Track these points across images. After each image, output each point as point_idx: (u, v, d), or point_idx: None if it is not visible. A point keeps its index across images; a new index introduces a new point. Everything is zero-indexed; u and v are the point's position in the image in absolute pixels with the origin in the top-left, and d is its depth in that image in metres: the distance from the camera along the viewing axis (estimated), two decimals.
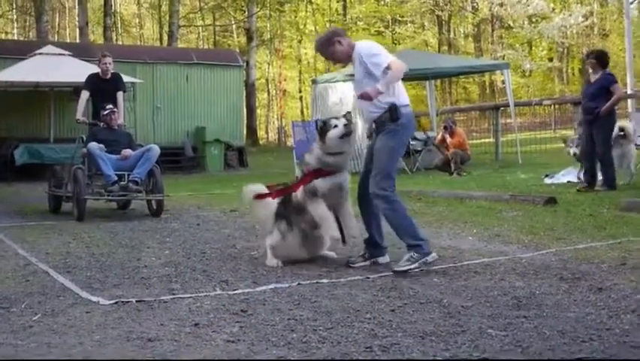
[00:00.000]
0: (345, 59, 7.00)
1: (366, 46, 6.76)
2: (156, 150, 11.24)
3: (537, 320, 4.89)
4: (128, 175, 10.87)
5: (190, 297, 5.74)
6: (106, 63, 12.14)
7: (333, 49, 6.83)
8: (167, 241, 8.78)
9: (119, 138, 11.52)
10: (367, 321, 4.95)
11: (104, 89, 12.01)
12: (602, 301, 5.29)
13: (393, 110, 6.47)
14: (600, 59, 11.89)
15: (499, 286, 5.90)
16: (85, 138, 11.56)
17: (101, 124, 11.58)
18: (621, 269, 6.32)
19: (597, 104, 11.56)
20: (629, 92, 21.32)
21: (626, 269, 6.26)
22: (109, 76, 12.17)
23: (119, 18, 43.31)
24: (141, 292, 5.98)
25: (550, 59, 45.29)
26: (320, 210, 6.88)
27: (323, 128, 6.80)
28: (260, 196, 7.62)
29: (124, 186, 10.80)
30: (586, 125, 11.85)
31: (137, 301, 5.60)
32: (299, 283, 6.16)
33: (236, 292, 5.92)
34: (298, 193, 7.10)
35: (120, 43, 41.05)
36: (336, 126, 6.71)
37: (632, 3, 39.11)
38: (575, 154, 12.47)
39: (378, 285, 6.04)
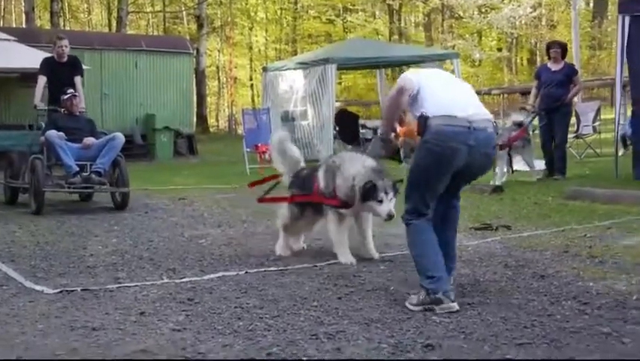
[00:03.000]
0: None
1: None
2: (121, 138, 10.53)
3: (481, 306, 4.96)
4: (91, 165, 10.11)
5: (136, 286, 5.71)
6: (62, 46, 11.29)
7: None
8: (114, 229, 8.70)
9: (81, 125, 10.74)
10: (314, 309, 4.97)
11: (60, 73, 11.14)
12: (545, 288, 5.38)
13: (420, 121, 5.10)
14: (564, 49, 12.52)
15: None
16: (43, 125, 10.77)
17: (62, 110, 10.76)
18: (564, 257, 6.44)
19: (563, 92, 12.03)
20: None
21: (568, 257, 6.38)
22: (65, 59, 11.31)
23: (66, 3, 42.67)
24: (87, 280, 5.93)
25: (500, 49, 45.72)
26: (334, 227, 6.55)
27: (369, 191, 6.10)
28: (273, 199, 7.36)
29: (86, 178, 9.99)
30: (546, 114, 12.04)
31: (82, 290, 5.56)
32: (246, 272, 6.16)
33: (183, 280, 5.91)
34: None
35: (68, 28, 40.43)
36: (381, 201, 6.07)
37: None
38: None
39: (326, 273, 6.07)
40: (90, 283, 5.83)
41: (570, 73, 12.25)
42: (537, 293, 5.25)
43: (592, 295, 5.14)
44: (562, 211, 8.96)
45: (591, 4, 48.98)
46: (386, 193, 6.07)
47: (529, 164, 12.20)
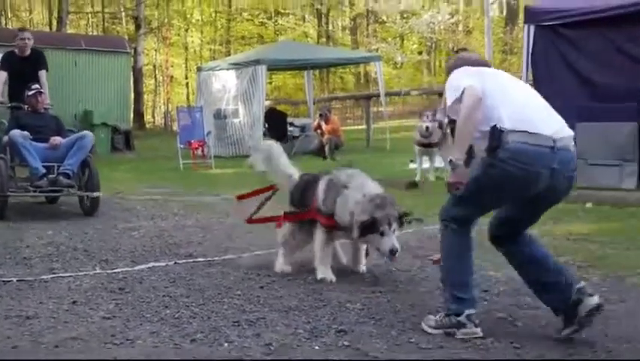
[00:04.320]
0: None
1: (448, 79, 4.40)
2: (90, 137, 9.24)
3: (391, 294, 5.09)
4: (58, 167, 8.84)
5: (70, 276, 5.69)
6: (24, 39, 10.11)
7: None
8: (51, 221, 8.60)
9: (47, 123, 9.45)
10: (237, 297, 5.03)
11: (22, 68, 9.93)
12: None
13: (493, 135, 3.99)
14: None
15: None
16: (5, 124, 9.52)
17: (26, 107, 9.56)
18: None
19: None
20: None
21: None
22: (28, 53, 10.11)
23: (8, 2, 41.73)
24: (22, 271, 5.89)
25: (420, 53, 46.19)
26: (320, 241, 5.60)
27: (370, 225, 5.16)
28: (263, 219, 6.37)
29: (53, 180, 8.72)
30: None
31: (17, 280, 5.52)
32: (175, 262, 6.19)
33: (115, 270, 5.91)
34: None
35: (9, 27, 39.54)
36: (383, 234, 5.14)
37: (492, 3, 40.30)
38: (427, 128, 12.03)
39: (250, 263, 6.12)
40: (26, 273, 5.79)
41: None
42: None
43: (491, 283, 5.32)
44: None
45: (504, 12, 49.88)
46: (389, 225, 5.10)
47: (445, 161, 12.43)
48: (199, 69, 21.91)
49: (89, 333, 4.23)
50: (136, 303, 4.90)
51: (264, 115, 18.53)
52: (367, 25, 46.05)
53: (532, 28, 11.43)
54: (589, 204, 8.72)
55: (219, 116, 19.44)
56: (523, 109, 4.14)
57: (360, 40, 45.00)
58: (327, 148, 17.54)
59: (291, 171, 6.23)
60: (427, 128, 11.91)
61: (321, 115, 18.66)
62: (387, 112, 21.62)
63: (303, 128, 19.62)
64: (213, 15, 43.56)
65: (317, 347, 3.99)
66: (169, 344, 4.05)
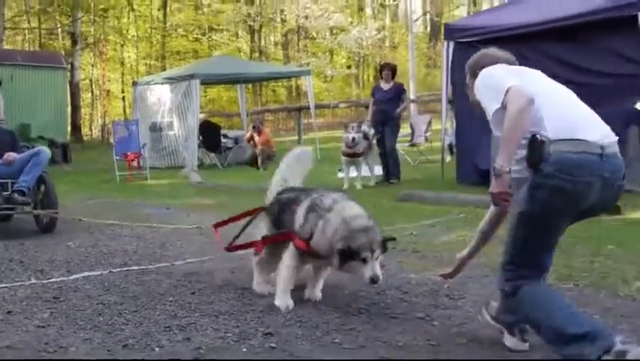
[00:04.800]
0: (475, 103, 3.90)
1: (478, 78, 3.84)
2: (46, 153, 8.55)
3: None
4: (13, 184, 8.16)
5: (5, 286, 5.60)
6: None
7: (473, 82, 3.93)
8: None
9: (1, 139, 8.77)
10: (169, 304, 5.02)
11: None
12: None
13: (533, 147, 3.44)
14: (394, 71, 13.00)
15: None
16: None
17: None
18: (392, 252, 6.61)
19: (392, 107, 12.43)
20: (412, 97, 22.36)
21: (395, 252, 6.56)
22: None
23: None
24: None
25: (349, 67, 46.53)
26: (289, 262, 4.94)
27: (350, 253, 4.50)
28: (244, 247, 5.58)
29: (7, 197, 8.10)
30: (381, 126, 12.41)
31: None
32: (110, 271, 6.13)
33: (50, 280, 5.84)
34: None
35: None
36: (365, 260, 4.48)
37: (416, 20, 40.95)
38: (353, 139, 12.02)
39: (182, 271, 6.10)
40: None
41: (399, 91, 12.68)
42: (366, 285, 5.45)
43: (412, 285, 5.41)
44: (395, 212, 9.27)
45: (428, 29, 50.65)
46: (371, 251, 4.49)
47: (371, 169, 12.57)
48: (135, 83, 21.69)
49: (23, 342, 4.18)
50: (70, 311, 4.85)
51: (199, 127, 18.45)
52: (298, 40, 46.16)
53: (451, 44, 11.68)
54: None
55: (155, 128, 19.30)
56: (567, 114, 3.62)
57: (291, 55, 45.08)
58: (259, 159, 17.55)
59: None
60: (354, 139, 12.00)
61: (254, 127, 18.66)
62: (317, 123, 21.73)
63: (236, 140, 19.59)
64: (149, 31, 43.11)
65: (245, 350, 4.01)
66: (102, 350, 4.03)
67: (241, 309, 4.84)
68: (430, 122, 17.31)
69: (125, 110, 39.21)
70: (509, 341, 3.92)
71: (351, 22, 43.36)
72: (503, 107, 3.47)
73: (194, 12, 44.01)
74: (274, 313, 4.72)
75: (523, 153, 3.48)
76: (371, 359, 3.86)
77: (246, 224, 5.64)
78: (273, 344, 4.09)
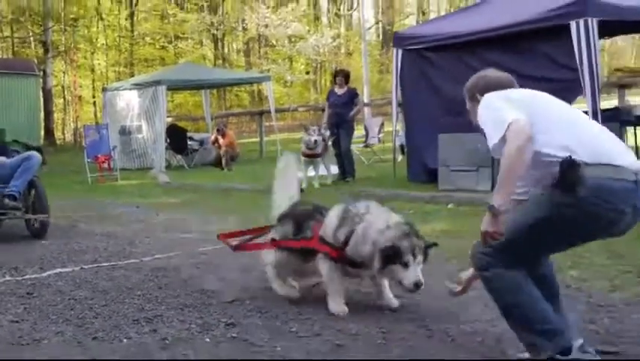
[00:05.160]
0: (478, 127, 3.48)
1: (479, 106, 3.44)
2: (37, 157, 8.02)
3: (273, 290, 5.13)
4: (3, 188, 7.71)
5: None
6: None
7: (472, 107, 3.67)
8: None
9: None
10: (137, 298, 5.01)
11: None
12: None
13: (569, 170, 3.08)
14: (347, 77, 13.03)
15: (251, 263, 5.99)
16: None
17: None
18: None
19: (346, 111, 12.43)
20: (365, 101, 22.48)
21: None
22: None
23: None
24: None
25: (307, 72, 46.58)
26: (329, 272, 4.54)
27: (393, 255, 4.14)
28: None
29: None
30: (336, 128, 12.46)
31: None
32: (81, 268, 6.10)
33: (24, 277, 5.78)
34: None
35: None
36: (407, 264, 4.14)
37: (369, 29, 41.16)
38: (315, 142, 12.00)
39: (150, 266, 6.08)
40: None
41: (352, 96, 12.69)
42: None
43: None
44: None
45: (381, 37, 50.92)
46: (414, 256, 4.13)
47: (328, 169, 12.61)
48: (104, 89, 21.48)
49: None
50: (43, 306, 4.81)
51: (166, 130, 18.34)
52: (259, 48, 46.08)
53: (400, 51, 11.74)
54: (451, 205, 9.02)
55: (124, 132, 19.14)
56: (597, 139, 3.24)
57: (253, 62, 44.97)
58: (224, 160, 17.49)
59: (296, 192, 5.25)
60: (315, 141, 12.02)
61: (218, 130, 18.58)
62: (277, 126, 21.69)
63: (201, 142, 19.48)
64: (117, 40, 42.69)
65: (208, 340, 4.03)
66: (73, 342, 4.02)
67: (205, 302, 4.85)
68: (382, 124, 17.40)
69: (95, 115, 38.73)
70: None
71: (309, 31, 43.47)
72: (503, 140, 3.14)
73: (160, 21, 43.72)
74: (236, 305, 4.74)
75: (534, 173, 3.20)
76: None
77: (252, 237, 5.24)
78: (234, 334, 4.11)
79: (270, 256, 4.95)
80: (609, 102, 13.40)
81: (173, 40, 43.78)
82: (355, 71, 38.23)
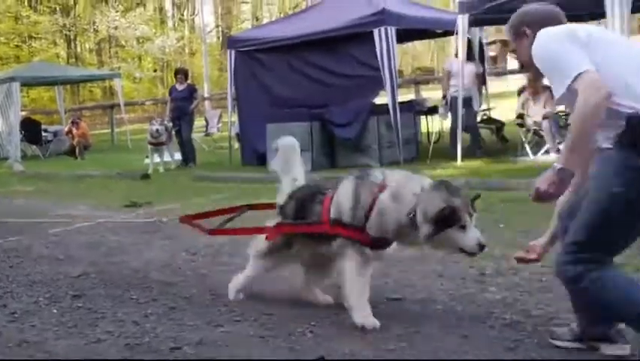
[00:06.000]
0: (528, 65, 2.83)
1: (536, 42, 2.69)
2: None
3: (122, 263, 5.04)
4: None
5: None
6: None
7: (520, 43, 2.91)
8: None
9: None
10: None
11: None
12: (170, 246, 5.57)
13: (636, 126, 2.43)
14: (186, 74, 13.10)
15: (99, 241, 5.93)
16: None
17: None
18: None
19: (187, 104, 12.29)
20: (206, 95, 22.30)
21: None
22: None
23: None
24: None
25: (155, 70, 45.31)
26: (353, 271, 3.39)
27: (448, 217, 3.06)
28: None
29: None
30: (177, 120, 12.27)
31: None
32: None
33: None
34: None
35: None
36: (464, 227, 3.08)
37: (210, 32, 40.68)
38: (157, 130, 11.77)
39: (3, 248, 5.76)
40: None
41: (191, 91, 12.62)
42: (164, 250, 5.43)
43: (198, 247, 5.40)
44: (191, 189, 9.21)
45: (220, 39, 50.37)
46: (470, 215, 3.11)
47: (172, 156, 12.40)
48: None
49: None
50: None
51: (21, 123, 17.24)
52: (110, 48, 44.22)
53: (233, 52, 11.71)
54: (278, 184, 9.12)
55: None
56: None
57: (104, 60, 43.09)
58: (77, 149, 16.71)
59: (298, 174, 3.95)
60: (157, 130, 11.84)
61: (72, 122, 17.70)
62: (127, 118, 21.02)
63: (55, 134, 18.47)
64: None
65: (55, 311, 3.90)
66: None
67: (53, 278, 4.67)
68: (220, 116, 17.26)
69: None
70: (611, 348, 2.84)
71: (155, 33, 42.23)
72: (570, 91, 2.47)
73: (14, 22, 40.82)
74: (83, 279, 4.60)
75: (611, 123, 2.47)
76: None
77: (228, 219, 4.29)
78: (80, 304, 4.00)
79: (261, 244, 3.80)
80: (408, 96, 14.04)
81: (27, 40, 41.06)
82: (197, 69, 37.79)
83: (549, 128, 9.43)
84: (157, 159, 12.06)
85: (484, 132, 11.09)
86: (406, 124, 10.15)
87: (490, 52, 26.36)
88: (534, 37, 2.70)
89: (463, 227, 3.07)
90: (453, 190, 3.15)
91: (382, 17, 9.71)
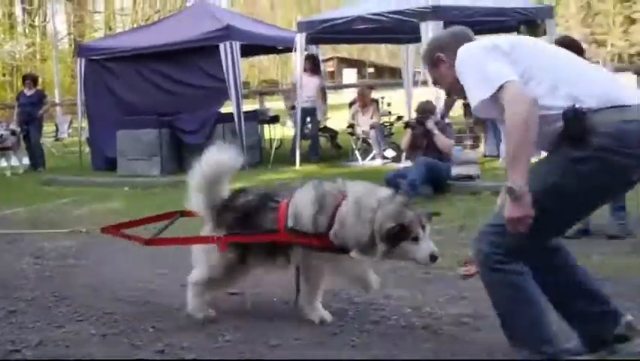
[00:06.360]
0: (454, 89, 2.64)
1: (459, 58, 2.52)
2: None
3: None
4: None
5: None
6: None
7: (437, 72, 2.72)
8: None
9: None
10: None
11: None
12: (13, 250, 5.18)
13: (574, 120, 2.30)
14: (35, 80, 12.38)
15: None
16: None
17: None
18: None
19: (35, 109, 11.60)
20: (57, 101, 21.14)
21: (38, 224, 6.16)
22: None
23: None
24: None
25: (4, 75, 42.08)
26: (314, 274, 3.31)
27: (400, 232, 2.90)
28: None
29: None
30: (26, 125, 11.50)
31: None
32: None
33: None
34: None
35: None
36: (416, 239, 2.92)
37: (61, 39, 38.49)
38: (1, 135, 11.04)
39: None
40: None
41: (40, 97, 11.95)
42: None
43: (44, 252, 5.11)
44: (38, 194, 8.65)
45: (73, 47, 47.68)
46: (422, 227, 2.96)
47: (20, 160, 11.57)
48: None
49: None
50: None
51: None
52: None
53: (83, 60, 11.17)
54: (126, 188, 8.81)
55: None
56: (599, 80, 2.44)
57: None
58: None
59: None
60: (2, 135, 11.07)
61: None
62: None
63: None
64: None
65: None
66: None
67: None
68: (71, 121, 16.34)
69: None
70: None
71: (4, 38, 39.26)
72: (493, 101, 2.33)
73: None
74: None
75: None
76: None
77: (167, 225, 3.67)
78: None
79: (206, 256, 3.29)
80: (253, 106, 14.09)
81: None
82: (49, 75, 35.56)
83: (375, 137, 9.91)
84: (4, 163, 11.26)
85: (321, 140, 11.41)
86: (250, 132, 10.20)
87: (328, 68, 27.18)
88: (451, 59, 2.55)
89: (416, 239, 2.93)
90: (405, 203, 3.00)
91: (227, 32, 9.70)
